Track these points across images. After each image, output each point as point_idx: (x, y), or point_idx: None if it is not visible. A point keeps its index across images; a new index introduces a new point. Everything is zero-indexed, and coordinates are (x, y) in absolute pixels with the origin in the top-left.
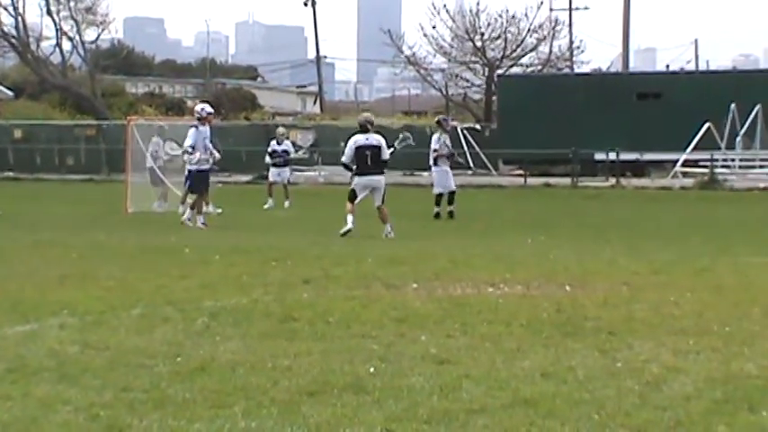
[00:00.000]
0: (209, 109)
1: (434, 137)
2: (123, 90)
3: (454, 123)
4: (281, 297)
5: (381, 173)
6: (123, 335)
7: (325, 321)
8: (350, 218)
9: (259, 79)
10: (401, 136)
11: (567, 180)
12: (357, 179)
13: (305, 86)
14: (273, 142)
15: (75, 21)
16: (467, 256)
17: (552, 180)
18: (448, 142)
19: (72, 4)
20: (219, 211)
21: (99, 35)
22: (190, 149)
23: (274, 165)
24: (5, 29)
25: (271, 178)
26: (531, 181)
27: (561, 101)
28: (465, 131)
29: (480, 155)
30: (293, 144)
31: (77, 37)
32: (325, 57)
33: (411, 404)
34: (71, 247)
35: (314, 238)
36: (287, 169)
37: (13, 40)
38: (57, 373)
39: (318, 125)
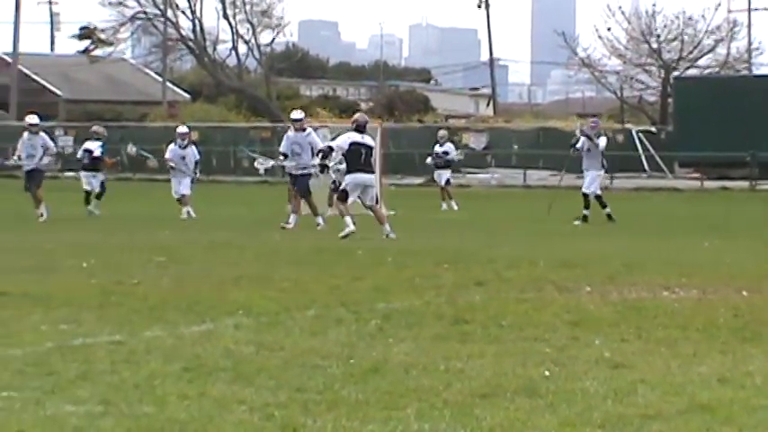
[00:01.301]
0: (297, 115)
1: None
2: (298, 92)
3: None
4: (453, 299)
5: (373, 172)
6: (298, 336)
7: (497, 324)
8: (348, 219)
9: (432, 82)
10: None
11: (745, 183)
12: (350, 177)
13: (478, 89)
14: (436, 145)
15: (251, 24)
16: (641, 260)
17: (729, 183)
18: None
19: (248, 7)
20: (393, 212)
21: (274, 38)
22: (282, 157)
23: (435, 166)
24: (183, 32)
25: (440, 180)
26: (708, 184)
27: (739, 103)
28: (640, 134)
29: (656, 157)
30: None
31: (253, 40)
32: (499, 59)
33: (585, 408)
34: (246, 249)
35: (486, 240)
36: (447, 171)
37: (191, 44)
38: (232, 373)
39: (491, 128)
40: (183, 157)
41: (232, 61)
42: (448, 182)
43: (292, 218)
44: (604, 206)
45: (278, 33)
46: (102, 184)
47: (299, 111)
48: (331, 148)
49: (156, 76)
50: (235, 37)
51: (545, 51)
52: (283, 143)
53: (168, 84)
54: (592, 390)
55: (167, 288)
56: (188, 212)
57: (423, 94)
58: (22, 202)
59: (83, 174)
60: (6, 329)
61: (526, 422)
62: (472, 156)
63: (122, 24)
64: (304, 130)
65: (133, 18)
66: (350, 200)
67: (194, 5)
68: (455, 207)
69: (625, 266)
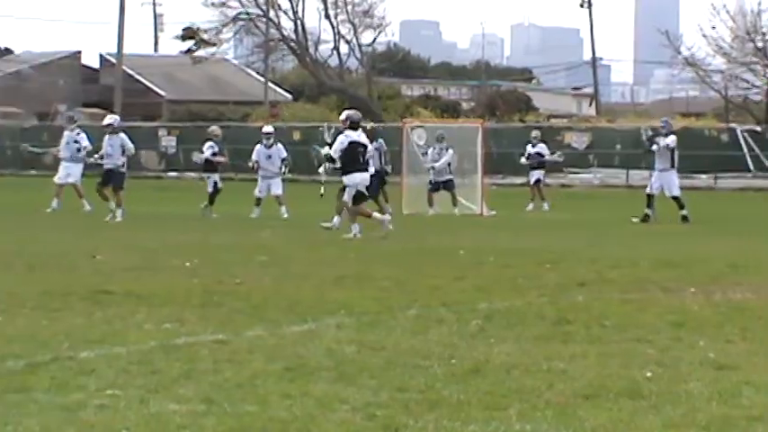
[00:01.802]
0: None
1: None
2: (399, 92)
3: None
4: (556, 300)
5: (368, 170)
6: (399, 335)
7: (600, 325)
8: (382, 216)
9: (534, 81)
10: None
11: None
12: (352, 176)
13: (580, 88)
14: (528, 145)
15: (353, 24)
16: (745, 260)
17: None
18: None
19: (349, 7)
20: (494, 212)
21: (375, 38)
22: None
23: (530, 167)
24: (285, 33)
25: (531, 179)
26: None
27: None
28: (745, 134)
29: (760, 157)
30: (549, 146)
31: (354, 40)
32: (601, 58)
33: (689, 410)
34: (347, 248)
35: (588, 240)
36: (540, 171)
37: (293, 44)
38: (334, 373)
39: (594, 127)
40: (269, 157)
41: (333, 61)
42: (538, 181)
43: (336, 219)
44: (649, 208)
45: (379, 33)
46: (215, 185)
47: (346, 111)
48: (333, 159)
49: (258, 77)
50: (336, 37)
51: (648, 50)
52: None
53: (270, 84)
54: (696, 391)
55: (269, 287)
56: (285, 210)
57: (524, 94)
58: (123, 200)
59: (204, 175)
60: (111, 328)
61: (629, 424)
62: (574, 155)
63: (225, 25)
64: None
65: (235, 18)
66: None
67: (296, 6)
68: (545, 207)
69: (729, 267)
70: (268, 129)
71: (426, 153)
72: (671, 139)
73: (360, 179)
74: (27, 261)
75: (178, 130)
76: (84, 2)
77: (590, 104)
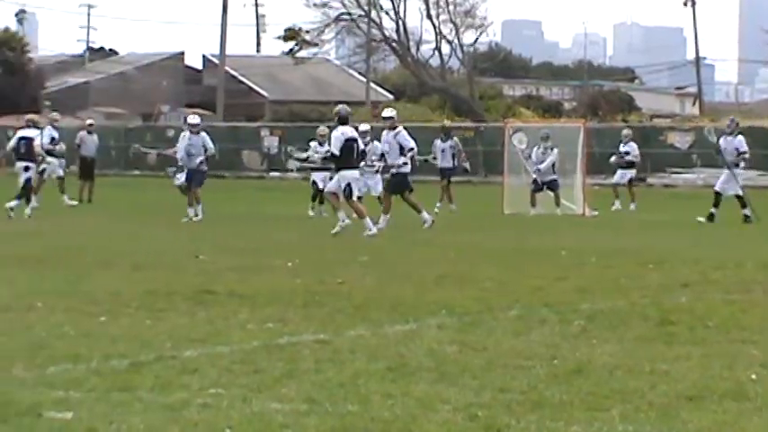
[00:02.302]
0: (388, 114)
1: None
2: (500, 92)
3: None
4: (659, 300)
5: (359, 166)
6: (500, 336)
7: (704, 326)
8: (368, 221)
9: (637, 81)
10: None
11: None
12: (345, 173)
13: (683, 88)
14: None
15: (455, 24)
16: None
17: None
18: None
19: (451, 7)
20: (596, 212)
21: (477, 38)
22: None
23: (618, 165)
24: (387, 33)
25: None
26: None
27: None
28: None
29: None
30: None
31: (456, 40)
32: (705, 58)
33: None
34: (448, 247)
35: (691, 240)
36: (630, 171)
37: (394, 44)
38: (435, 373)
39: (697, 127)
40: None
41: (435, 61)
42: (630, 181)
43: (382, 218)
44: (744, 208)
45: (481, 33)
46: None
47: (391, 109)
48: (335, 155)
49: (360, 77)
50: (438, 37)
51: (753, 49)
52: (381, 142)
53: (372, 84)
54: None
55: (371, 287)
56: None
57: (627, 94)
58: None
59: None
60: (214, 327)
61: (734, 426)
62: (677, 155)
63: (327, 25)
64: (395, 128)
65: (337, 19)
66: (355, 194)
67: (398, 6)
68: (632, 207)
69: None
70: (364, 127)
71: (530, 156)
72: (739, 140)
73: (355, 175)
74: (131, 261)
75: (280, 131)
76: (188, 3)
77: (693, 104)
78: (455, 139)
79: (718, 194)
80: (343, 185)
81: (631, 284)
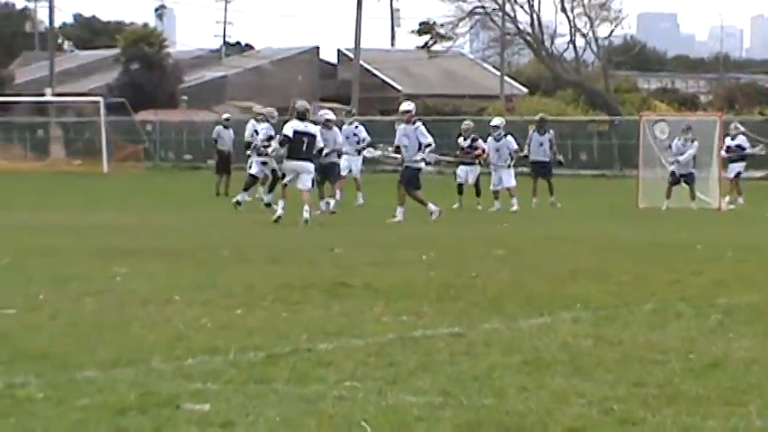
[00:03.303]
0: (406, 107)
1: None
2: (635, 85)
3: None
4: None
5: (311, 160)
6: (636, 330)
7: None
8: (281, 203)
9: None
10: None
11: None
12: (287, 162)
13: None
14: (727, 138)
15: (589, 17)
16: None
17: None
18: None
19: (586, 1)
20: (732, 206)
21: (612, 31)
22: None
23: (729, 159)
24: (521, 27)
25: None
26: None
27: None
28: None
29: None
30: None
31: (591, 33)
32: None
33: None
34: (582, 242)
35: None
36: (740, 164)
37: (529, 38)
38: (570, 367)
39: None
40: (498, 150)
41: (569, 55)
42: (737, 175)
43: (399, 211)
44: None
45: (616, 26)
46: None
47: (409, 102)
48: (288, 137)
49: (494, 70)
50: (572, 30)
51: None
52: (397, 135)
53: (506, 78)
54: None
55: (505, 281)
56: (515, 202)
57: (765, 87)
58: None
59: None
60: (350, 320)
61: None
62: None
63: (461, 19)
64: (414, 122)
65: (472, 13)
66: (286, 180)
67: (533, 0)
68: (740, 201)
69: None
70: (496, 122)
71: (670, 146)
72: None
73: (298, 166)
74: (267, 254)
75: None
76: None
77: None
78: (551, 131)
79: None
80: (285, 171)
81: None
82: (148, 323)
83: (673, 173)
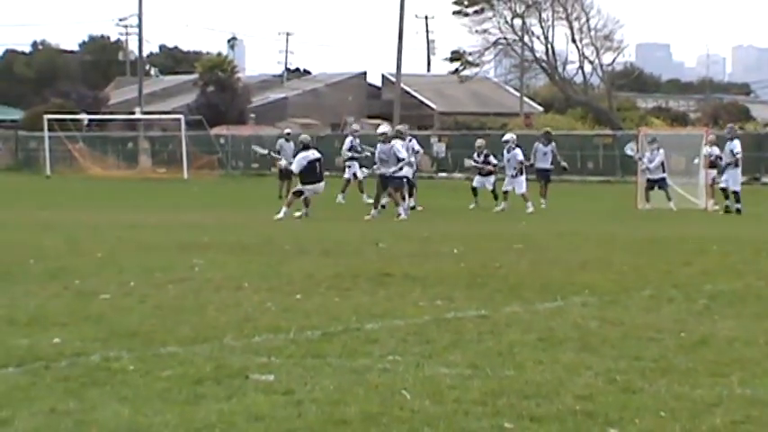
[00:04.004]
0: (381, 129)
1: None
2: (635, 105)
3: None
4: None
5: (323, 179)
6: (635, 312)
7: None
8: (285, 210)
9: (752, 95)
10: None
11: None
12: (311, 187)
13: None
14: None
15: (596, 47)
16: None
17: None
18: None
19: (593, 33)
20: (717, 208)
21: (615, 59)
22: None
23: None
24: (537, 55)
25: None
26: None
27: None
28: None
29: None
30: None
31: (597, 60)
32: None
33: None
34: (589, 237)
35: None
36: (713, 171)
37: (544, 64)
38: (579, 343)
39: None
40: (509, 161)
41: (579, 78)
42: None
43: (400, 209)
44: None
45: (618, 54)
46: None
47: (384, 125)
48: (298, 173)
49: (514, 92)
50: (581, 58)
51: None
52: (376, 153)
53: (524, 98)
54: None
55: (524, 271)
56: (530, 205)
57: (744, 106)
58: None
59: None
60: (392, 304)
61: None
62: None
63: (486, 49)
64: (389, 141)
65: (495, 43)
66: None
67: (547, 32)
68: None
69: None
70: (507, 137)
71: (642, 158)
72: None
73: (317, 188)
74: (321, 248)
75: (447, 138)
76: (370, 30)
77: None
78: (553, 143)
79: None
80: (307, 194)
81: (748, 269)
82: (221, 306)
83: (648, 179)
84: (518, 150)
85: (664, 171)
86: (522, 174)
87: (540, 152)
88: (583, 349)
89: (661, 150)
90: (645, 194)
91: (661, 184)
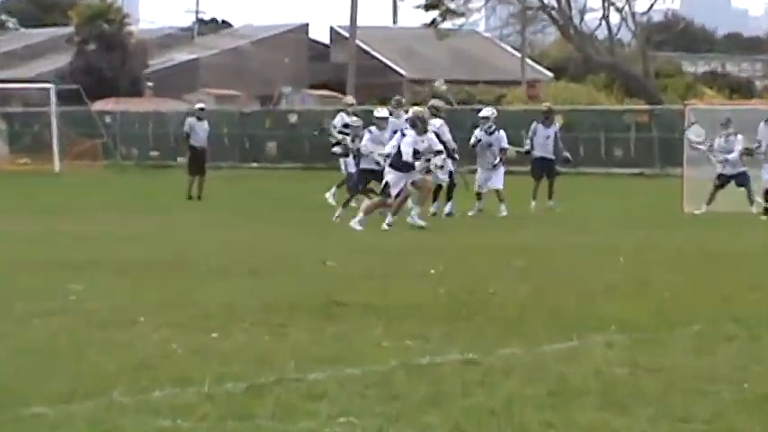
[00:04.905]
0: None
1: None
2: (680, 69)
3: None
4: None
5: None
6: (680, 355)
7: None
8: (390, 219)
9: None
10: None
11: None
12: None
13: None
14: None
15: None
16: None
17: None
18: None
19: None
20: None
21: (652, 5)
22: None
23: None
24: (545, 0)
25: None
26: None
27: None
28: None
29: None
30: None
31: (627, 8)
32: None
33: None
34: (617, 252)
35: None
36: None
37: (554, 13)
38: (602, 398)
39: None
40: (490, 145)
41: (602, 33)
42: None
43: (389, 217)
44: None
45: (656, 0)
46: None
47: (383, 108)
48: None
49: (514, 52)
50: (605, 4)
51: None
52: (365, 139)
53: (528, 60)
54: None
55: (527, 298)
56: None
57: None
58: None
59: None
60: (346, 345)
61: None
62: None
63: None
64: (425, 131)
65: None
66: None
67: None
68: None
69: None
70: (486, 113)
71: (712, 147)
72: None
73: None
74: (248, 266)
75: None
76: None
77: None
78: (557, 124)
79: None
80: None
81: None
82: (108, 349)
83: (720, 175)
84: (502, 133)
85: (744, 164)
86: (502, 164)
87: (540, 135)
88: (607, 406)
89: (739, 136)
90: (711, 194)
91: (742, 180)
